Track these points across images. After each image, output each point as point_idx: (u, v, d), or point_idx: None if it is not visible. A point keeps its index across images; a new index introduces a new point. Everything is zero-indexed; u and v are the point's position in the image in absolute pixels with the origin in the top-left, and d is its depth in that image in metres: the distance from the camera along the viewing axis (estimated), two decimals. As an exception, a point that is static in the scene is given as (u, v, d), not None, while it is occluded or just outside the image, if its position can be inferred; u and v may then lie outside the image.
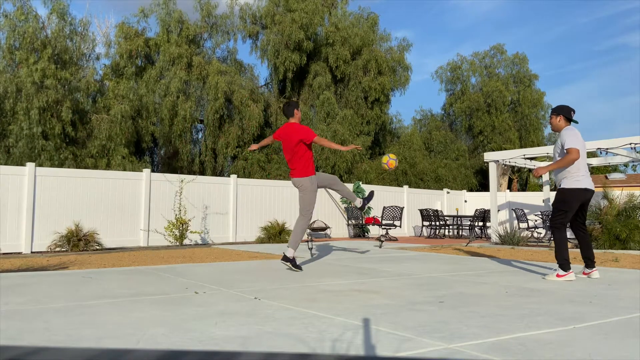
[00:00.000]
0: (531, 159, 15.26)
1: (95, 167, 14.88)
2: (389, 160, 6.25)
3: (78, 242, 9.17)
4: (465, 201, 18.69)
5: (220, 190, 12.34)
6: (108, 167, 15.14)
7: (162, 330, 2.75)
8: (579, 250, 7.04)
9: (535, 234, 14.94)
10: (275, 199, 13.40)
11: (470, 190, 24.60)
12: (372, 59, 21.79)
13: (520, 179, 32.22)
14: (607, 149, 11.24)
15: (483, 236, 15.44)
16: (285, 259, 5.63)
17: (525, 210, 15.81)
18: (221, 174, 20.12)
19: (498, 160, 12.89)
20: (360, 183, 15.99)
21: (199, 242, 11.70)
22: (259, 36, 22.33)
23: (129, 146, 16.24)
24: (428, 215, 15.48)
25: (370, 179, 20.19)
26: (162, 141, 19.00)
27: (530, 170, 27.39)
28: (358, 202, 6.41)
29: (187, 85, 19.23)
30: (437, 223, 15.48)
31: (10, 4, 15.87)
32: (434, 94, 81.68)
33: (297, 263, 5.79)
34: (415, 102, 70.24)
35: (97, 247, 9.53)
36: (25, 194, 9.56)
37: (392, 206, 14.45)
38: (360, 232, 15.06)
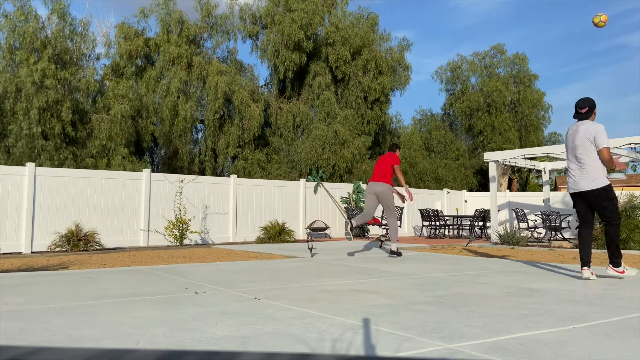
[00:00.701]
0: (531, 159, 15.26)
1: (95, 167, 14.88)
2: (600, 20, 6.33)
3: (78, 242, 9.18)
4: (465, 201, 18.69)
5: (220, 190, 12.34)
6: (108, 167, 15.14)
7: (162, 330, 2.75)
8: (577, 250, 7.00)
9: (535, 234, 14.95)
10: (275, 199, 13.40)
11: (470, 190, 24.61)
12: (372, 59, 21.78)
13: (520, 179, 32.22)
14: (607, 148, 11.21)
15: (483, 236, 15.44)
16: (392, 252, 7.61)
17: (525, 210, 15.82)
18: (221, 174, 20.12)
19: (498, 160, 12.89)
20: (360, 183, 15.99)
21: (199, 242, 11.70)
22: (259, 36, 22.33)
23: (129, 146, 16.23)
24: (428, 215, 15.49)
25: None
26: (162, 141, 19.00)
27: (530, 170, 27.36)
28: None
29: (187, 85, 19.22)
30: (437, 223, 15.48)
31: (10, 4, 15.89)
32: (434, 94, 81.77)
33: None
34: (415, 102, 70.32)
35: (97, 247, 9.53)
36: (25, 194, 9.56)
37: (392, 206, 14.42)
38: (360, 232, 15.07)
